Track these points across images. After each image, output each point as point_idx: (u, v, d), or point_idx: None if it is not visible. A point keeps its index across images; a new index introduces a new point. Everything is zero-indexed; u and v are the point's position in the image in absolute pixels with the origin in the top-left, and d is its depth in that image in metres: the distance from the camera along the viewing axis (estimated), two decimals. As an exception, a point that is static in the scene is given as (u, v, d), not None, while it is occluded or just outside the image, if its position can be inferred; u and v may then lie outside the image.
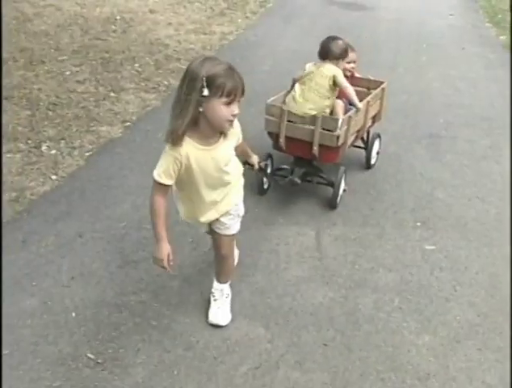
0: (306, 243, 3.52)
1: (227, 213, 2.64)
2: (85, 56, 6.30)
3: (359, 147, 4.39)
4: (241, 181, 2.71)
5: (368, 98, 3.97)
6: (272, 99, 3.89)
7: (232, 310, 2.90)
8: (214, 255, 2.86)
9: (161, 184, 2.36)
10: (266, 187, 4.02)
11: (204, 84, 2.18)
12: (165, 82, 5.88)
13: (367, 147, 4.40)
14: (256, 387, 2.51)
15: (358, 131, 3.99)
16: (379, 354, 2.72)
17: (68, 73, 5.82)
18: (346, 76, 3.87)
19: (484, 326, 2.93)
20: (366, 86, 4.34)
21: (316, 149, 3.66)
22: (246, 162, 2.88)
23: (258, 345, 2.73)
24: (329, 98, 3.71)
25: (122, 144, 4.58)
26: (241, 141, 2.60)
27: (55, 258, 3.22)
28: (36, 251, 3.25)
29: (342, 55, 3.78)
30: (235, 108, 2.29)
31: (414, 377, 2.60)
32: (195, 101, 2.21)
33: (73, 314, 2.83)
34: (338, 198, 3.86)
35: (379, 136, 4.47)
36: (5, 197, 3.69)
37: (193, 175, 2.40)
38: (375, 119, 4.30)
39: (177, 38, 7.22)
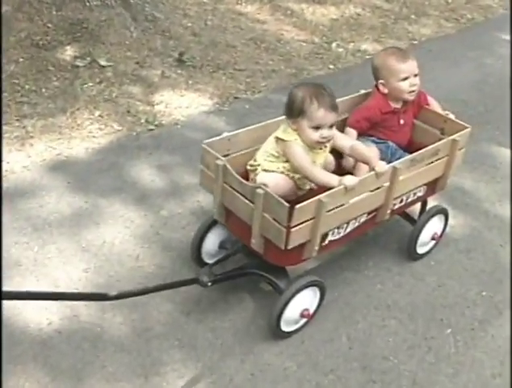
0: None
1: None
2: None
3: (407, 219, 2.81)
4: None
5: (397, 163, 2.31)
6: (217, 138, 2.30)
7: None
8: None
9: None
10: (210, 260, 2.48)
11: None
12: (469, 16, 6.02)
13: (416, 225, 2.72)
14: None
15: (375, 210, 2.38)
16: None
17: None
18: (411, 101, 2.65)
19: None
20: (440, 126, 2.72)
21: (254, 241, 2.14)
22: None
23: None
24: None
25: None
26: None
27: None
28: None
29: (290, 113, 2.22)
30: None
31: None
32: None
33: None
34: (282, 325, 2.23)
35: (443, 212, 2.79)
36: (288, 71, 4.53)
37: None
38: (435, 187, 2.68)
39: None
